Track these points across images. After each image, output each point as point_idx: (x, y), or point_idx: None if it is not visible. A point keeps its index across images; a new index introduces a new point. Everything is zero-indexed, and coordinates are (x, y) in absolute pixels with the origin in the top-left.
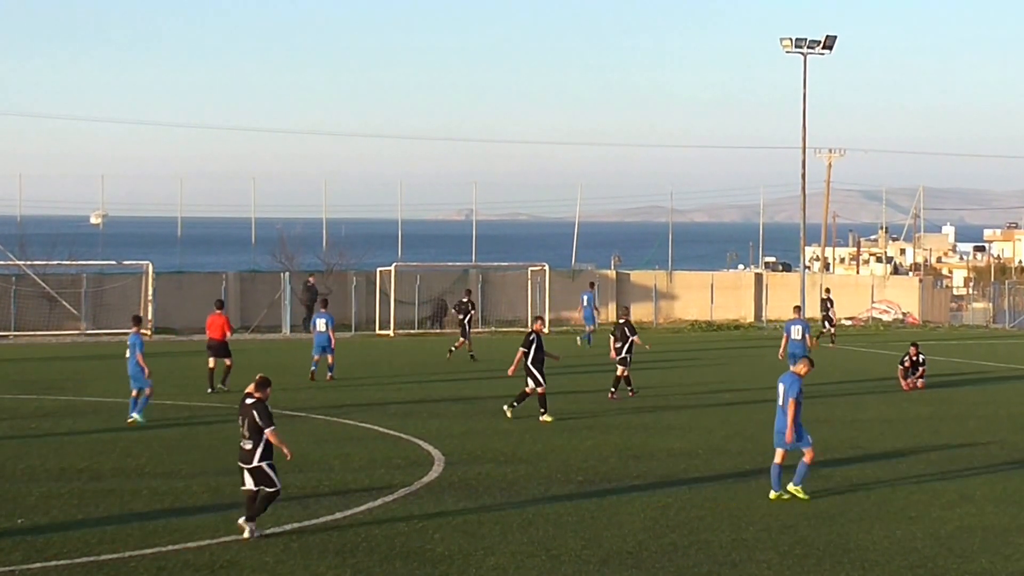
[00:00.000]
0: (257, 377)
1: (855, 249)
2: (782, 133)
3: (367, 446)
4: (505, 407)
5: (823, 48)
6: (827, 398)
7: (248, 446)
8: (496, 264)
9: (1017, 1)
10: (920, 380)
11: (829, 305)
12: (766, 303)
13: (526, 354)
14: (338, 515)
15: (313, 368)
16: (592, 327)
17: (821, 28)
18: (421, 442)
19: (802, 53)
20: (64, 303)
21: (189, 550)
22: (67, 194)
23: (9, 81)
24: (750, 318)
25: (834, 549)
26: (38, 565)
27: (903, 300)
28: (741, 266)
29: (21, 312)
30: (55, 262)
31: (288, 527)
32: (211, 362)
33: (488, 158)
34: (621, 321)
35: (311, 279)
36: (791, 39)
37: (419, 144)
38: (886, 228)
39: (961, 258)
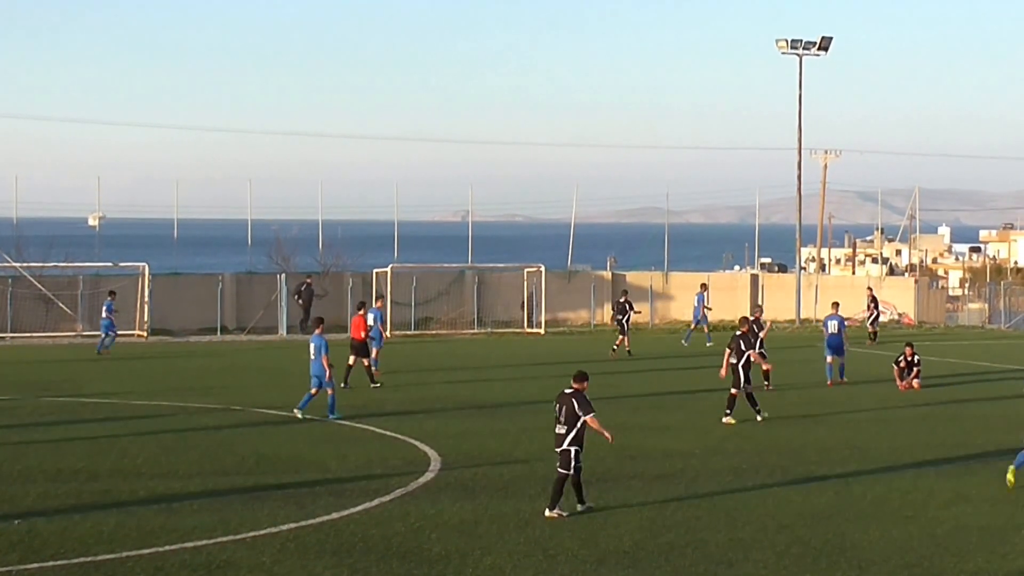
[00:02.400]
0: (576, 372)
1: (851, 250)
2: (778, 134)
3: (364, 447)
4: (725, 419)
5: (818, 49)
6: (823, 398)
7: (562, 431)
8: (492, 265)
9: (1014, 2)
10: (916, 380)
11: (874, 303)
12: (762, 304)
13: (743, 353)
14: (335, 515)
15: (374, 367)
16: (699, 326)
17: (816, 29)
18: (417, 443)
19: (797, 54)
20: (61, 304)
21: (186, 550)
22: (64, 196)
23: (6, 82)
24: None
25: (830, 549)
26: (35, 565)
27: (899, 301)
28: (737, 267)
29: (17, 314)
30: (51, 264)
31: (285, 527)
32: (351, 359)
33: (484, 159)
34: (751, 319)
35: (308, 280)
36: (786, 40)
37: (415, 145)
38: (882, 229)
39: (957, 259)
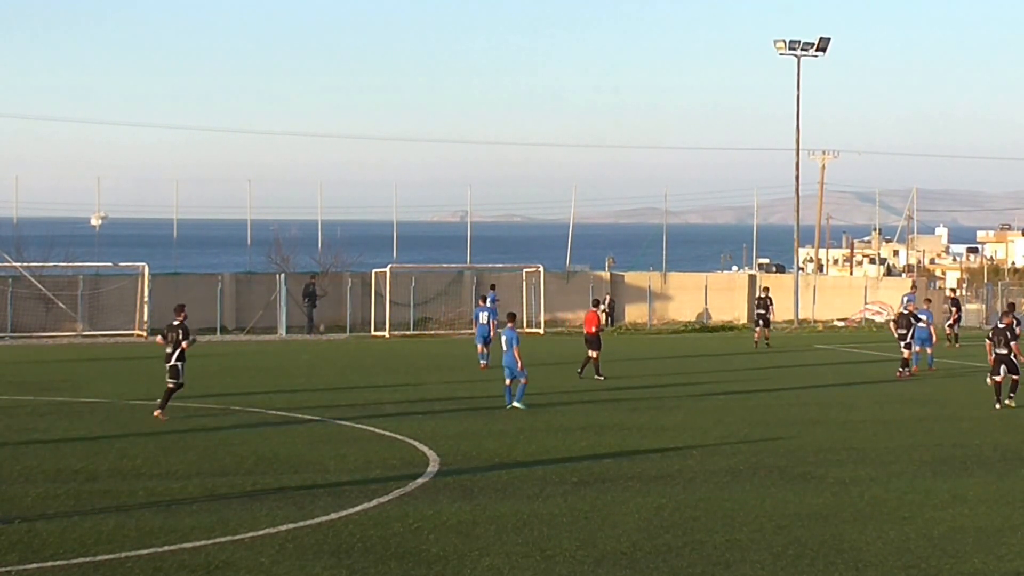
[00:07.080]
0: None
1: (848, 251)
2: (776, 135)
3: (362, 447)
4: (1000, 405)
5: (817, 50)
6: (821, 399)
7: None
8: (491, 266)
9: (1011, 4)
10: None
11: (956, 305)
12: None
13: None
14: (333, 515)
15: (481, 360)
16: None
17: (814, 30)
18: (416, 443)
19: (795, 55)
20: (61, 304)
21: (185, 551)
22: (64, 196)
23: (6, 82)
24: (744, 319)
25: (827, 550)
26: (35, 566)
27: (896, 301)
28: (735, 268)
29: (18, 313)
30: (52, 264)
31: (283, 527)
32: (591, 353)
33: (483, 160)
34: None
35: (313, 280)
36: (784, 41)
37: (414, 146)
38: (879, 230)
39: (954, 259)
